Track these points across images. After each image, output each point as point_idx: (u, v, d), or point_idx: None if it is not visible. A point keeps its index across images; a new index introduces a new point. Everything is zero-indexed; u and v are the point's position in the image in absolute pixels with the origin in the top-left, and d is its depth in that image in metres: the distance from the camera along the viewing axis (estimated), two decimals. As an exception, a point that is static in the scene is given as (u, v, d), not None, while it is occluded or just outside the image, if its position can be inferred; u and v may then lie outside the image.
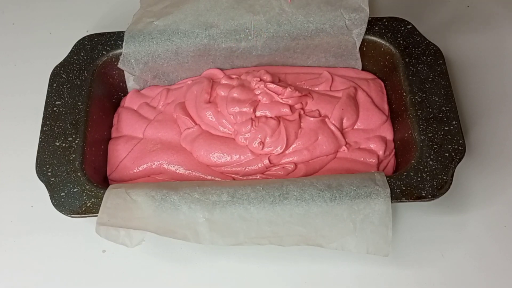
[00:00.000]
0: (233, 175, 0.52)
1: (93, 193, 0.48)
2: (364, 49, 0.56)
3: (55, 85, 0.54)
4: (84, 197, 0.47)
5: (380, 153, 0.52)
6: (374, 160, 0.51)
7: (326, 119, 0.53)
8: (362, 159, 0.52)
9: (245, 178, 0.51)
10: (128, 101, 0.58)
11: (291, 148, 0.52)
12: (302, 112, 0.53)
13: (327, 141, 0.52)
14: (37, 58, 0.63)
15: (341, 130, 0.53)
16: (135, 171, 0.53)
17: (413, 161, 0.48)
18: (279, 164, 0.52)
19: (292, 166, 0.51)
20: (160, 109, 0.56)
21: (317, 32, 0.54)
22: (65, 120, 0.52)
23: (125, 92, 0.58)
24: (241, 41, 0.55)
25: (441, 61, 0.53)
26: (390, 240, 0.44)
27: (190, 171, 0.52)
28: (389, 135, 0.53)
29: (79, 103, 0.53)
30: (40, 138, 0.51)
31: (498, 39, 0.62)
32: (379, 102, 0.55)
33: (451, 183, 0.47)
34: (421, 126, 0.50)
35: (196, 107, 0.55)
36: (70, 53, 0.56)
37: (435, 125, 0.50)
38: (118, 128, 0.56)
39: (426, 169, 0.47)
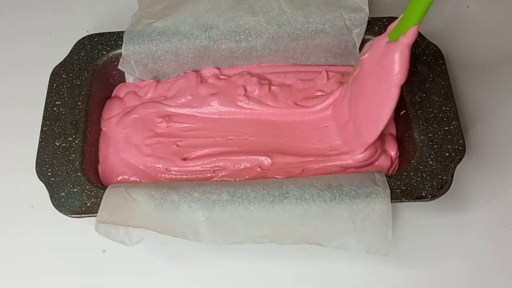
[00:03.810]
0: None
1: (93, 193, 0.47)
2: (364, 49, 0.56)
3: (55, 85, 0.54)
4: (84, 197, 0.47)
5: (393, 153, 0.51)
6: (387, 164, 0.51)
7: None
8: (376, 162, 0.51)
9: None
10: (116, 91, 0.58)
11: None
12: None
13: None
14: (37, 58, 0.63)
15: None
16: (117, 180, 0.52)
17: (413, 161, 0.48)
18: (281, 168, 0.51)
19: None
20: (144, 100, 0.56)
21: (317, 32, 0.54)
22: (65, 120, 0.52)
23: (125, 92, 0.59)
24: (241, 42, 0.55)
25: (441, 61, 0.53)
26: (390, 240, 0.44)
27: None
28: (394, 133, 0.53)
29: (79, 103, 0.53)
30: (40, 138, 0.51)
31: (498, 39, 0.62)
32: None
33: (451, 183, 0.47)
34: (421, 126, 0.50)
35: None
36: (70, 53, 0.56)
37: (435, 125, 0.50)
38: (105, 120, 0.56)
39: (426, 169, 0.47)
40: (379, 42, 0.46)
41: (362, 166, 0.50)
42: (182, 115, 0.54)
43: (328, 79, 0.55)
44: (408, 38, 0.43)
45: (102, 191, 0.47)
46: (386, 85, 0.45)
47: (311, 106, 0.54)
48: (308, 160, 0.51)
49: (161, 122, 0.54)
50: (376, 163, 0.51)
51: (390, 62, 0.44)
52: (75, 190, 0.48)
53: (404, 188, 0.46)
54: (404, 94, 0.52)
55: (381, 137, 0.51)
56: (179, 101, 0.55)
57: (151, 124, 0.54)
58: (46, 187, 0.48)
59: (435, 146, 0.48)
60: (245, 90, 0.54)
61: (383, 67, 0.45)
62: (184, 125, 0.54)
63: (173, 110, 0.54)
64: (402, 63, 0.43)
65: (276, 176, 0.50)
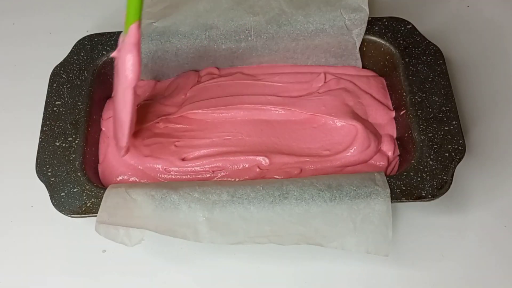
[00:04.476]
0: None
1: (93, 193, 0.48)
2: (364, 49, 0.56)
3: (55, 85, 0.54)
4: (84, 197, 0.47)
5: (390, 154, 0.51)
6: (384, 163, 0.51)
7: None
8: (372, 161, 0.51)
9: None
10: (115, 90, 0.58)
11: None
12: None
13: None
14: (37, 58, 0.63)
15: None
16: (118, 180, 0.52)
17: (413, 161, 0.48)
18: (280, 168, 0.51)
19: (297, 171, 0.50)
20: (142, 98, 0.56)
21: (317, 32, 0.54)
22: (65, 120, 0.52)
23: (125, 92, 0.58)
24: (241, 42, 0.55)
25: (441, 61, 0.53)
26: (390, 240, 0.44)
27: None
28: (394, 134, 0.53)
29: (79, 103, 0.53)
30: (40, 138, 0.51)
31: (498, 39, 0.62)
32: (381, 97, 0.55)
33: (451, 183, 0.47)
34: (421, 126, 0.50)
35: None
36: (70, 53, 0.56)
37: (435, 125, 0.50)
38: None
39: (426, 169, 0.47)
40: (120, 37, 0.43)
41: (357, 163, 0.50)
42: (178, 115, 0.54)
43: (325, 82, 0.55)
44: (130, 37, 0.41)
45: (102, 191, 0.47)
46: (123, 87, 0.44)
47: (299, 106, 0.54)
48: (305, 161, 0.51)
49: (158, 122, 0.54)
50: (372, 161, 0.51)
51: (122, 63, 0.43)
52: (75, 190, 0.48)
53: (404, 188, 0.46)
54: (404, 94, 0.52)
55: (375, 135, 0.51)
56: (175, 101, 0.55)
57: (149, 124, 0.54)
58: (46, 187, 0.48)
59: (435, 146, 0.48)
60: None
61: (120, 67, 0.44)
62: (180, 125, 0.54)
63: (169, 109, 0.54)
64: (132, 63, 0.42)
65: (275, 176, 0.50)
